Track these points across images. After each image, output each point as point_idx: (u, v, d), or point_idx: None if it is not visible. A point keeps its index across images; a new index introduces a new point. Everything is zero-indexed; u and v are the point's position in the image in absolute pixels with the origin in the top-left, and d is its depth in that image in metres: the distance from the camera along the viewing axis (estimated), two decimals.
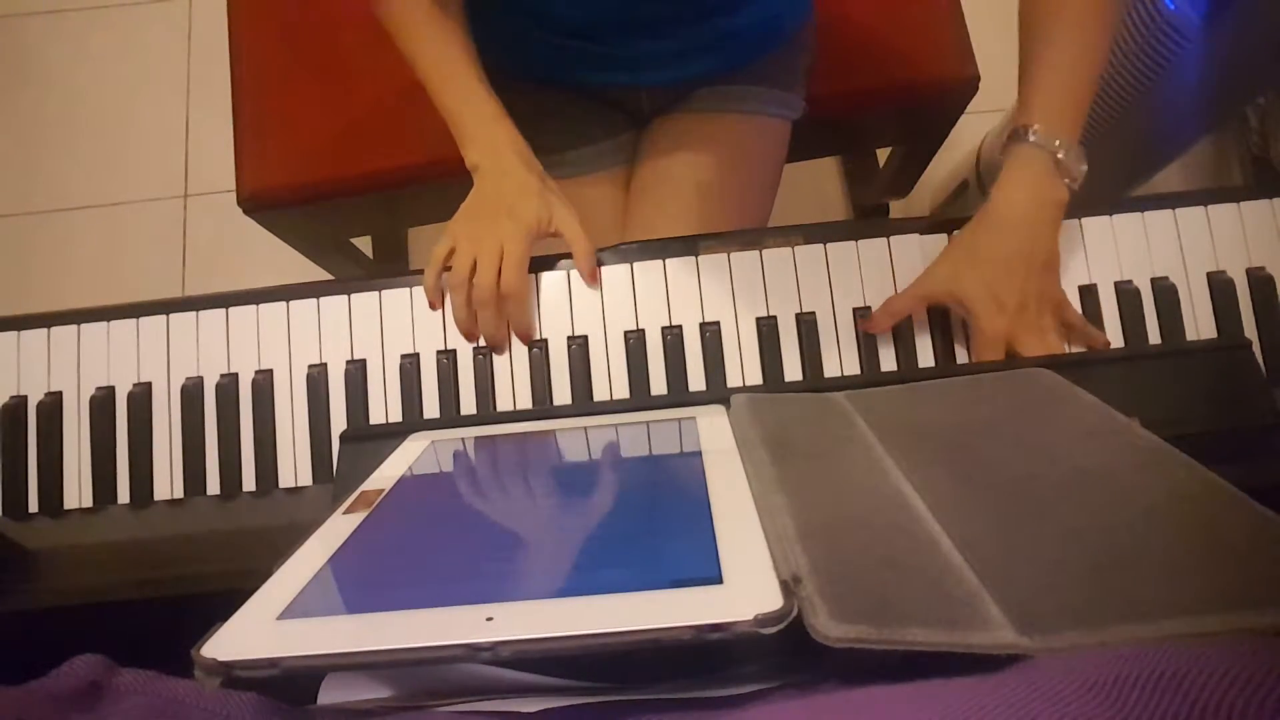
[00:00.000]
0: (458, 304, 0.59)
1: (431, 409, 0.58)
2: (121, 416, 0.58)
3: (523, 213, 0.59)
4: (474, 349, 0.59)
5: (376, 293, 0.60)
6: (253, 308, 0.60)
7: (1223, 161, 1.22)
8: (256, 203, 0.87)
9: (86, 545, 0.51)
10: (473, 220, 0.60)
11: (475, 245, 0.59)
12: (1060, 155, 0.54)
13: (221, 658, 0.23)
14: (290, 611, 0.26)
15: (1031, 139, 0.55)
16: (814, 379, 0.57)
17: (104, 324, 0.60)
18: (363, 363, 0.59)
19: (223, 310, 0.60)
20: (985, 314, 0.55)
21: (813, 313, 0.58)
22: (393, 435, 0.49)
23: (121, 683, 0.25)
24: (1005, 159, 0.57)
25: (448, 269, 0.59)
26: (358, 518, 0.35)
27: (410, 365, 0.58)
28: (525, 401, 0.58)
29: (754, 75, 0.74)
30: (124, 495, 0.58)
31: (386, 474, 0.42)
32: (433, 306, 0.60)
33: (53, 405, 0.58)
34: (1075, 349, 0.58)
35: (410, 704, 0.28)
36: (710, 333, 0.58)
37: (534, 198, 0.60)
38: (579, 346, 0.58)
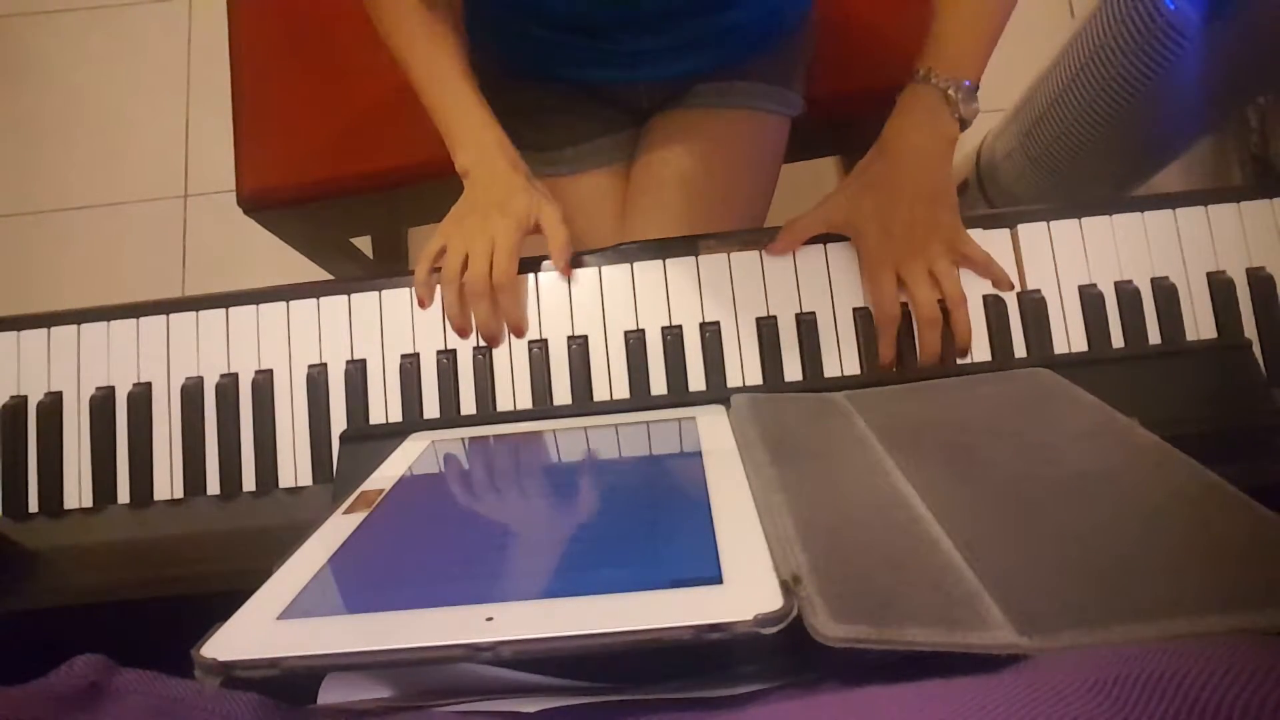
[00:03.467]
0: (450, 299, 0.59)
1: (431, 409, 0.58)
2: (121, 416, 0.58)
3: (512, 208, 0.60)
4: (473, 349, 0.59)
5: (376, 293, 0.60)
6: (253, 308, 0.60)
7: (1223, 161, 1.22)
8: (256, 203, 0.87)
9: (86, 545, 0.51)
10: (463, 218, 0.61)
11: (467, 241, 0.60)
12: (951, 92, 0.58)
13: (221, 658, 0.24)
14: (290, 611, 0.26)
15: (929, 79, 0.58)
16: (814, 379, 0.57)
17: (104, 324, 0.60)
18: (363, 363, 0.59)
19: (223, 310, 0.60)
20: (871, 237, 0.58)
21: (813, 313, 0.58)
22: (393, 435, 0.50)
23: (121, 683, 0.25)
24: (900, 97, 0.60)
25: (437, 269, 0.60)
26: (358, 518, 0.35)
27: (410, 365, 0.58)
28: (525, 401, 0.58)
29: (753, 72, 0.74)
30: (124, 495, 0.57)
31: (386, 474, 0.42)
32: (422, 304, 0.60)
33: (53, 405, 0.58)
34: (987, 288, 0.58)
35: (410, 704, 0.28)
36: (710, 333, 0.58)
37: (521, 193, 0.61)
38: (579, 346, 0.58)
